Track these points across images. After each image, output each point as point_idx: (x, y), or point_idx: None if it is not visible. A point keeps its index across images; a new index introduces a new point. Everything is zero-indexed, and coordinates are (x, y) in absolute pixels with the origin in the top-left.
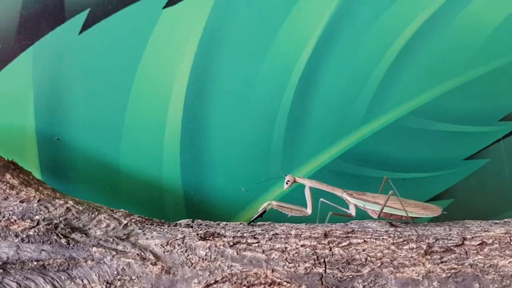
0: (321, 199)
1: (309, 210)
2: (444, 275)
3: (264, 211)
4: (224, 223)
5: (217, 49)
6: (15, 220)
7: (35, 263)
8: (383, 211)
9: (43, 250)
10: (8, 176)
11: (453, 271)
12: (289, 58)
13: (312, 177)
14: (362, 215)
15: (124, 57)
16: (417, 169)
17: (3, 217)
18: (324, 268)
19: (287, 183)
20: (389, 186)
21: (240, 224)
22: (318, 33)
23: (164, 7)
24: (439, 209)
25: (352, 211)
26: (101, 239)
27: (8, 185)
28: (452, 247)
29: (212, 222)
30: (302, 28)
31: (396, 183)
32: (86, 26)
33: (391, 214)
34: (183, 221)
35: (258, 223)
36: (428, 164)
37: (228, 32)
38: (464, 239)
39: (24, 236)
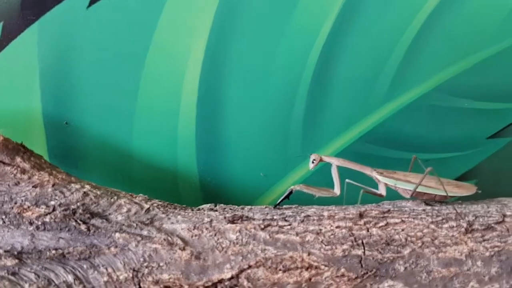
0: (347, 180)
1: (337, 191)
2: (487, 253)
3: (291, 192)
4: (249, 207)
5: (233, 25)
6: (28, 207)
7: (53, 252)
8: (415, 190)
9: (61, 238)
10: (18, 159)
11: (496, 249)
12: (308, 34)
13: None
14: (392, 195)
15: (136, 33)
16: (440, 149)
17: (15, 203)
18: (363, 250)
19: (313, 162)
20: (418, 166)
21: (266, 207)
22: (338, 9)
23: None
24: (473, 187)
25: (382, 190)
26: (123, 225)
27: (19, 169)
28: (493, 225)
29: (236, 206)
30: (321, 3)
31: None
32: None
33: (424, 193)
34: (206, 206)
35: (285, 206)
36: (451, 143)
37: (244, 6)
38: (504, 216)
39: (39, 223)
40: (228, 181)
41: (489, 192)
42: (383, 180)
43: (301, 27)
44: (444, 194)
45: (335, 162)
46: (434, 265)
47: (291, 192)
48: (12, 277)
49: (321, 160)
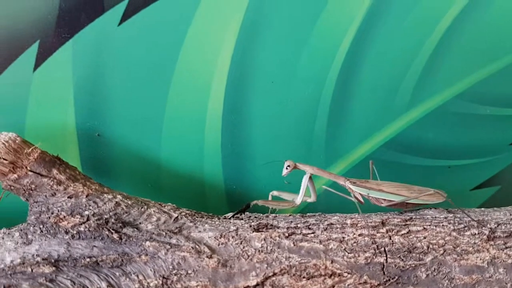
0: (324, 186)
1: (298, 201)
2: (510, 261)
3: (248, 206)
4: (273, 215)
5: (257, 37)
6: (64, 216)
7: (87, 259)
8: (387, 198)
9: (95, 246)
10: (55, 171)
11: None
12: (330, 44)
13: (357, 167)
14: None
15: (164, 48)
16: (462, 156)
17: (52, 213)
18: (385, 258)
19: (287, 168)
20: (377, 170)
21: (290, 216)
22: (360, 18)
23: None
24: (443, 195)
25: (359, 198)
26: (153, 233)
27: (55, 180)
28: None
29: (261, 214)
30: (343, 13)
31: (442, 171)
32: (125, 17)
33: (396, 203)
34: (232, 214)
35: (308, 214)
36: (473, 150)
37: (268, 19)
38: None
39: (75, 232)
40: (253, 189)
41: None
42: (357, 190)
43: (323, 37)
44: (415, 202)
45: (309, 170)
46: (456, 272)
47: (248, 206)
48: (49, 284)
49: (295, 167)
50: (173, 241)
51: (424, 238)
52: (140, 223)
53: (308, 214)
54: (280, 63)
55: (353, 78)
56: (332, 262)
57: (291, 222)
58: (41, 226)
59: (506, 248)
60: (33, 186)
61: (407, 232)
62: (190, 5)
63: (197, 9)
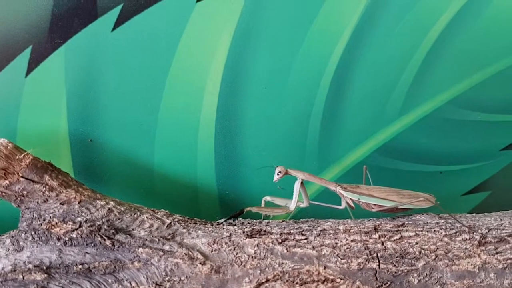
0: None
1: (292, 206)
2: (500, 266)
3: (242, 212)
4: (267, 220)
5: (250, 43)
6: (56, 223)
7: (79, 266)
8: (377, 203)
9: (87, 253)
10: (47, 177)
11: (509, 261)
12: (323, 50)
13: (349, 173)
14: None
15: (157, 54)
16: (454, 161)
17: (44, 220)
18: (377, 263)
19: (278, 174)
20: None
21: (283, 221)
22: (353, 24)
23: (197, 1)
24: (433, 199)
25: (343, 205)
26: (146, 240)
27: (47, 187)
28: (506, 237)
29: (254, 220)
30: (336, 19)
31: (433, 176)
32: (118, 22)
33: (387, 208)
34: (224, 219)
35: (301, 219)
36: (465, 155)
37: (261, 25)
38: None
39: (67, 239)
40: (246, 194)
41: (503, 204)
42: (347, 195)
43: (316, 43)
44: (406, 207)
45: (300, 176)
46: (447, 278)
47: (241, 212)
48: None
49: (286, 173)
50: (166, 247)
51: (416, 243)
52: (133, 229)
53: (301, 219)
54: (273, 69)
55: (346, 84)
56: (325, 268)
57: (284, 228)
58: (32, 233)
59: (497, 253)
60: (24, 192)
61: (399, 238)
62: (184, 11)
63: (191, 15)
